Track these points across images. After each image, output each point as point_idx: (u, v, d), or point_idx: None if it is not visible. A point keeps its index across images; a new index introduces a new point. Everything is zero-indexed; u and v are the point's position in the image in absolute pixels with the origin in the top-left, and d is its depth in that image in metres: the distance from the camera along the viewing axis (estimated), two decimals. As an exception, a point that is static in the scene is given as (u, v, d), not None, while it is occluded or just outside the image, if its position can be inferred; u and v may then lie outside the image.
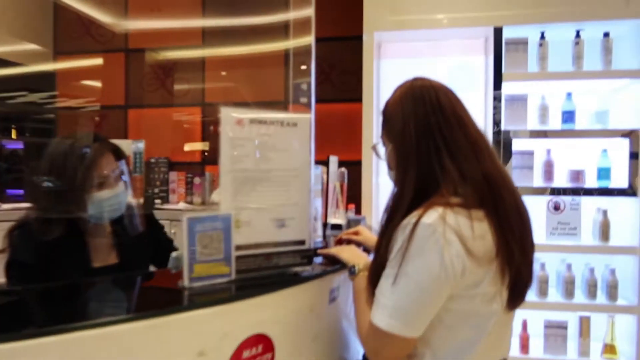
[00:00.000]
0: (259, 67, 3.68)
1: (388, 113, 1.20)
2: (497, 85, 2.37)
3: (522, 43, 2.38)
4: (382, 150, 1.28)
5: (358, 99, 2.54)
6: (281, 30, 3.64)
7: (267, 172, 1.19)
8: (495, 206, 1.08)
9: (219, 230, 1.11)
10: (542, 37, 2.38)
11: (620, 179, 2.30)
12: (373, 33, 2.47)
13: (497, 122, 2.38)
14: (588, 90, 2.45)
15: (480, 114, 2.58)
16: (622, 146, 2.29)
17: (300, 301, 1.19)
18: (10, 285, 1.39)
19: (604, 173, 2.31)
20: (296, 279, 1.20)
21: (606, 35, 2.33)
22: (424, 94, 1.17)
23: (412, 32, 2.51)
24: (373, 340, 1.07)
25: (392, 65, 2.66)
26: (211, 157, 3.80)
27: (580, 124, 2.40)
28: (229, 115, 1.13)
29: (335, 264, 1.32)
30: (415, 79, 1.25)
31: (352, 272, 1.24)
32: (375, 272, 1.12)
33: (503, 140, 2.36)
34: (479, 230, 1.03)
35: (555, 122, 2.40)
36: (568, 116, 2.36)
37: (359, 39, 2.46)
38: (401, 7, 2.47)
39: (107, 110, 4.03)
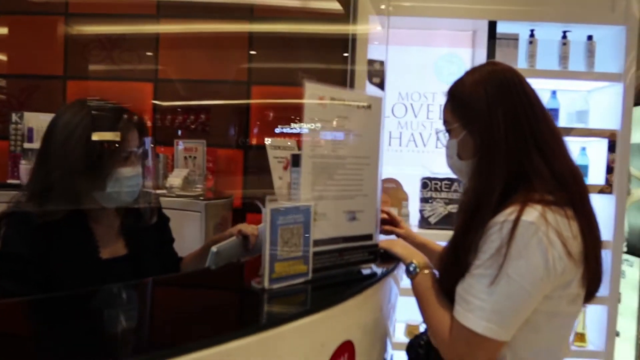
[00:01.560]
0: (221, 48, 3.45)
1: (466, 97, 1.11)
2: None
3: (513, 39, 2.41)
4: (444, 137, 1.21)
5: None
6: (246, 11, 3.45)
7: (342, 159, 1.06)
8: (582, 204, 1.05)
9: (299, 224, 0.97)
10: (532, 34, 2.42)
11: (597, 177, 2.41)
12: (367, 17, 2.38)
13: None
14: (571, 89, 2.54)
15: (465, 108, 2.59)
16: (600, 145, 2.41)
17: (375, 301, 1.09)
18: (4, 284, 1.14)
19: (582, 170, 2.41)
20: (372, 279, 1.08)
21: (590, 38, 2.42)
22: (510, 82, 1.11)
23: (402, 19, 2.45)
24: (464, 345, 0.99)
25: (378, 51, 2.59)
26: (164, 137, 3.51)
27: (561, 122, 2.49)
28: (314, 93, 0.99)
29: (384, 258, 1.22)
30: (494, 63, 1.20)
31: (413, 271, 1.13)
32: (452, 272, 1.04)
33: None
34: (574, 230, 0.99)
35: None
36: (553, 114, 2.42)
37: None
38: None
39: (40, 81, 3.58)
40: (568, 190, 1.03)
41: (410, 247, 1.25)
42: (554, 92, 2.46)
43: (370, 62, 1.22)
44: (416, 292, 1.12)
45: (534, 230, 0.94)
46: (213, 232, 2.60)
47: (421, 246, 1.45)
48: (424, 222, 2.47)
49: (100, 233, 1.28)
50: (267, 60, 3.52)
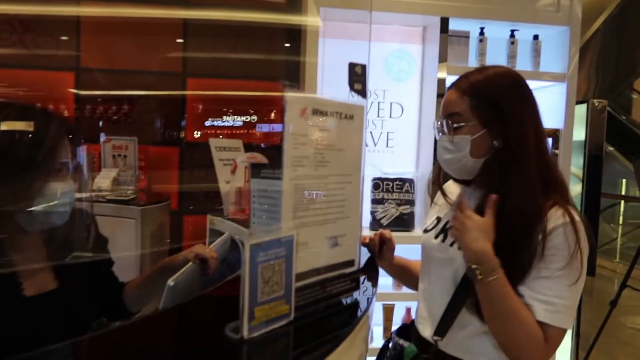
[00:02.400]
0: (152, 35, 3.16)
1: (500, 97, 1.11)
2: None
3: (465, 37, 2.37)
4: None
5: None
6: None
7: (324, 178, 0.93)
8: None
9: (281, 259, 0.83)
10: (482, 33, 2.40)
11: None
12: (319, 8, 2.24)
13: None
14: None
15: (415, 104, 2.53)
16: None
17: (363, 334, 0.97)
18: None
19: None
20: (357, 312, 0.96)
21: (536, 37, 2.44)
22: (530, 91, 1.16)
23: (352, 12, 2.34)
24: (557, 344, 1.04)
25: (324, 44, 2.46)
26: (89, 133, 3.19)
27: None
28: (295, 103, 0.84)
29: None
30: (507, 67, 1.19)
31: (487, 274, 1.02)
32: (515, 274, 1.05)
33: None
34: None
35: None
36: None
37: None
38: (347, -16, 2.27)
39: None
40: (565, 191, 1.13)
41: (482, 235, 1.06)
42: (502, 91, 2.45)
43: (351, 65, 1.09)
44: (490, 296, 1.04)
45: (584, 230, 1.05)
46: (150, 241, 2.37)
47: (402, 268, 1.38)
48: (376, 224, 2.40)
49: (23, 264, 1.07)
50: (204, 50, 3.29)
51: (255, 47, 3.32)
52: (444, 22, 2.32)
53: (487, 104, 1.11)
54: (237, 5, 3.25)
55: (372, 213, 2.42)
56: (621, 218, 6.67)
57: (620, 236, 6.53)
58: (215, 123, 3.58)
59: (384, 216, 2.41)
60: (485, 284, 1.02)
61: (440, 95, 2.34)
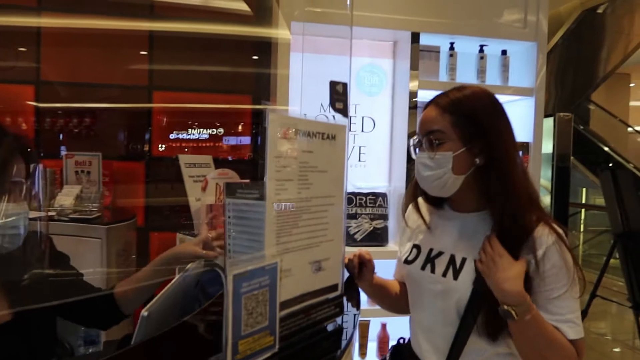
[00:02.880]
0: (117, 48, 3.07)
1: (482, 115, 1.12)
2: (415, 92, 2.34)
3: (435, 51, 2.39)
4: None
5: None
6: (146, 8, 3.10)
7: (307, 201, 0.90)
8: None
9: (265, 288, 0.79)
10: (452, 47, 2.42)
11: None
12: (290, 23, 2.22)
13: (412, 132, 2.35)
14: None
15: (387, 118, 2.53)
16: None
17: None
18: None
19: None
20: (342, 339, 0.93)
21: (504, 53, 2.48)
22: (505, 110, 1.18)
23: (323, 26, 2.33)
24: (584, 353, 1.07)
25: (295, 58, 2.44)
26: (49, 148, 3.06)
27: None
28: (277, 123, 0.80)
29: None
30: (484, 87, 1.20)
31: (522, 313, 1.02)
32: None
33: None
34: None
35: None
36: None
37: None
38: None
39: None
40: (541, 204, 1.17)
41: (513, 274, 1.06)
42: (472, 105, 2.48)
43: (332, 84, 1.06)
44: (526, 332, 1.04)
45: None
46: (115, 261, 2.28)
47: (381, 288, 1.35)
48: (350, 239, 2.37)
49: None
50: (170, 62, 3.21)
51: (223, 59, 3.27)
52: (415, 37, 2.34)
53: (468, 121, 1.12)
54: (203, 17, 3.20)
55: (346, 228, 2.40)
56: (582, 226, 6.86)
57: (582, 244, 6.71)
58: (181, 136, 3.50)
59: (358, 231, 2.39)
60: (522, 323, 1.02)
61: (412, 108, 2.35)
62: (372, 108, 2.52)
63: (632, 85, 11.19)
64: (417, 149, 1.19)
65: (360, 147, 2.51)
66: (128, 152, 3.25)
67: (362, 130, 2.51)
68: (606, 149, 8.44)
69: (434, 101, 1.18)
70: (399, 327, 1.71)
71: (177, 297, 1.13)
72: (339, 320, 1.00)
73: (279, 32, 2.24)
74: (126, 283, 1.26)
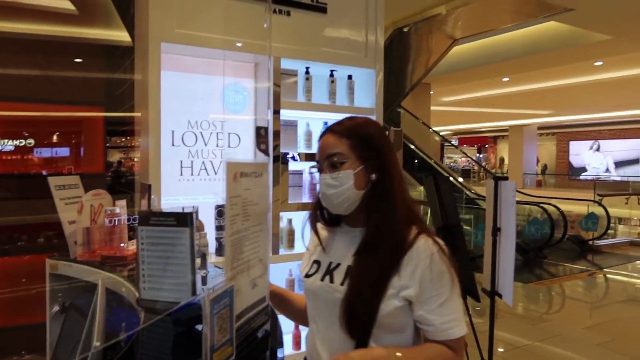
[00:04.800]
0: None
1: (374, 140, 1.32)
2: (277, 111, 2.58)
3: (293, 75, 2.66)
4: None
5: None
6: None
7: (247, 231, 1.07)
8: None
9: (227, 307, 0.95)
10: (307, 72, 2.72)
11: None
12: (160, 44, 2.27)
13: (276, 145, 2.58)
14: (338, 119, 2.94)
15: (251, 134, 2.73)
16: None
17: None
18: None
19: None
20: (268, 341, 1.12)
21: (350, 77, 2.87)
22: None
23: (191, 47, 2.43)
24: (463, 349, 1.25)
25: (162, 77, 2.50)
26: None
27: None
28: (231, 169, 0.97)
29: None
30: (370, 118, 1.45)
31: None
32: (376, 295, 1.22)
33: (281, 161, 2.58)
34: None
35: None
36: (326, 142, 2.78)
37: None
38: (186, 21, 2.35)
39: None
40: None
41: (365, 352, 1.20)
42: (325, 123, 2.81)
43: (257, 129, 1.23)
44: None
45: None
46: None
47: (280, 297, 1.48)
48: (222, 250, 2.52)
49: None
50: None
51: (35, 63, 3.10)
52: (276, 60, 2.58)
53: (364, 144, 1.30)
54: (24, 17, 3.00)
55: (218, 239, 2.53)
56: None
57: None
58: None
59: (230, 241, 2.55)
60: None
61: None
62: (238, 125, 2.69)
63: (432, 92, 13.10)
64: (320, 173, 1.34)
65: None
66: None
67: (229, 146, 2.67)
68: (412, 146, 9.83)
69: (330, 129, 1.35)
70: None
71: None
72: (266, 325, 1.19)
73: (119, 34, 2.27)
74: None
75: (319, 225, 1.42)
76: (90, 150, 3.96)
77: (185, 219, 1.10)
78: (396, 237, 1.24)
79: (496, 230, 2.85)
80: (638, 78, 11.66)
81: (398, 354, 1.16)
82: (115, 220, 2.01)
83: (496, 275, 2.86)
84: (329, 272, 1.32)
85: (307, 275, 1.37)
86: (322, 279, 1.32)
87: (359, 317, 1.21)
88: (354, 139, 1.30)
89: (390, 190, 1.28)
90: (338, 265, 1.32)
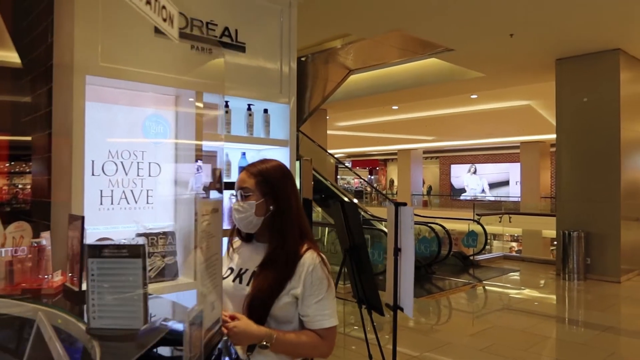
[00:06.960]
0: None
1: (274, 180, 1.72)
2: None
3: (213, 108, 2.81)
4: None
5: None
6: None
7: (208, 260, 1.23)
8: None
9: (200, 327, 1.10)
10: (227, 105, 2.88)
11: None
12: (85, 76, 2.32)
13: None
14: (255, 149, 3.12)
15: (171, 165, 2.82)
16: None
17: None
18: None
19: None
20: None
21: (266, 111, 3.08)
22: (292, 175, 1.84)
23: (114, 80, 2.49)
24: (334, 338, 1.64)
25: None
26: None
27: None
28: (203, 207, 1.13)
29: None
30: (280, 162, 1.82)
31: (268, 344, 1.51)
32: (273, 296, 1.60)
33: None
34: None
35: (235, 175, 2.94)
36: (241, 171, 2.95)
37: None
38: (110, 55, 2.42)
39: None
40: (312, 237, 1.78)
41: (247, 328, 1.51)
42: (243, 153, 2.99)
43: (213, 170, 1.39)
44: (280, 349, 1.54)
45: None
46: None
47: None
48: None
49: None
50: None
51: None
52: (198, 94, 2.71)
53: (265, 183, 1.70)
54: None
55: (140, 267, 2.57)
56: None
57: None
58: None
59: (151, 269, 2.60)
60: (276, 344, 1.52)
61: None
62: (158, 154, 2.77)
63: (328, 118, 13.73)
64: (235, 200, 1.72)
65: (147, 191, 2.73)
66: None
67: (150, 175, 2.74)
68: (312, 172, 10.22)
69: (246, 168, 1.77)
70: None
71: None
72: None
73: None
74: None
75: (236, 241, 1.83)
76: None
77: (138, 250, 1.23)
78: (290, 253, 1.64)
79: (397, 250, 3.19)
80: (507, 110, 13.29)
81: (275, 335, 1.52)
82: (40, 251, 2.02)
83: (398, 291, 3.19)
84: (239, 275, 1.72)
85: (223, 278, 1.69)
86: (234, 281, 1.71)
87: (256, 309, 1.56)
88: (259, 178, 1.71)
89: (286, 217, 1.68)
90: (246, 270, 1.71)
